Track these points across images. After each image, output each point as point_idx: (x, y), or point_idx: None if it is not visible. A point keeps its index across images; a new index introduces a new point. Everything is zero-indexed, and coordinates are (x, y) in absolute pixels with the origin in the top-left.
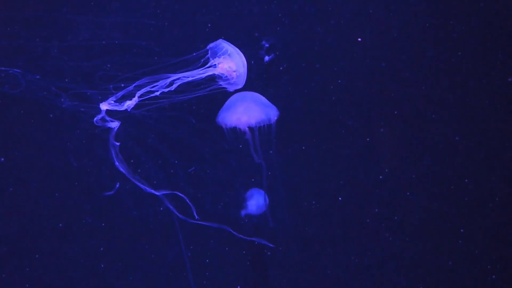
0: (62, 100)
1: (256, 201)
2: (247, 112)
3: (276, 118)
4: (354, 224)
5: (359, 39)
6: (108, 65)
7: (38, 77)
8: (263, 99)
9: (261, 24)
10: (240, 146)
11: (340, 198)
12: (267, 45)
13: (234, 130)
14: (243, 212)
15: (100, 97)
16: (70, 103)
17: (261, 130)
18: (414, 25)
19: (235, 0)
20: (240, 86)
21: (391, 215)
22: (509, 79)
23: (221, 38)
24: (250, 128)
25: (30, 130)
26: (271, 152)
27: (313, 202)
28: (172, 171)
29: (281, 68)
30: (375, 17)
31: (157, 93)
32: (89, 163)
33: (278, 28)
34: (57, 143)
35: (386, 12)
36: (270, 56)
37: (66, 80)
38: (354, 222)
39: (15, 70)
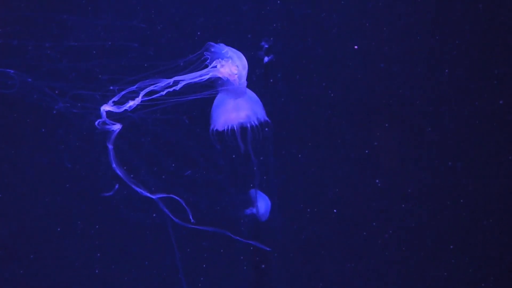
0: (57, 103)
1: (263, 205)
2: (236, 109)
3: (264, 115)
4: (350, 231)
5: (356, 47)
6: (97, 68)
7: (30, 80)
8: (253, 95)
9: (258, 26)
10: (239, 147)
11: (335, 210)
12: (266, 46)
13: (227, 130)
14: (248, 211)
15: (97, 98)
16: (63, 104)
17: (254, 131)
18: (412, 30)
19: (230, 3)
20: (242, 95)
21: (388, 223)
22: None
23: (217, 41)
24: (242, 127)
25: (24, 131)
26: (261, 158)
27: (308, 210)
28: (164, 176)
29: (278, 76)
30: (373, 21)
31: (162, 93)
32: (85, 165)
33: (276, 31)
34: (53, 145)
35: (384, 17)
36: (270, 57)
37: (61, 81)
38: (350, 229)
39: (8, 70)
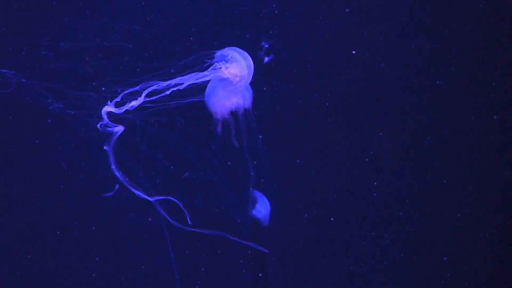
0: (54, 104)
1: (264, 209)
2: (229, 96)
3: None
4: (348, 236)
5: (354, 52)
6: (99, 70)
7: (23, 80)
8: None
9: (257, 27)
10: (235, 144)
11: (332, 219)
12: (266, 46)
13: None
14: (251, 214)
15: (95, 99)
16: (58, 105)
17: (246, 118)
18: (412, 33)
19: (229, 4)
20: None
21: (386, 227)
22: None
23: (217, 41)
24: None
25: (20, 132)
26: (258, 161)
27: (306, 215)
28: (161, 179)
29: (277, 77)
30: (372, 24)
31: (167, 92)
32: (83, 167)
33: (275, 32)
34: (50, 146)
35: (383, 20)
36: (270, 57)
37: (58, 82)
38: (348, 234)
39: (5, 70)
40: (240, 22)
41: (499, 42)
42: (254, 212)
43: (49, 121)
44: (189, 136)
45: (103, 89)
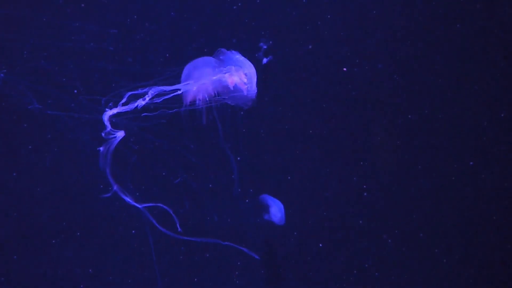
0: (52, 106)
1: (278, 210)
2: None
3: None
4: (340, 241)
5: (344, 69)
6: (101, 72)
7: (2, 75)
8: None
9: (255, 28)
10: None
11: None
12: (265, 47)
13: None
14: (265, 217)
15: (88, 101)
16: (38, 105)
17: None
18: (411, 32)
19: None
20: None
21: (384, 229)
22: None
23: (214, 43)
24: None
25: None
26: (255, 160)
27: (302, 216)
28: (154, 184)
29: (276, 77)
30: (370, 23)
31: (179, 92)
32: (72, 171)
33: (273, 32)
34: (40, 149)
35: (380, 20)
36: (268, 58)
37: (55, 83)
38: (344, 237)
39: None
40: (238, 23)
41: (496, 42)
42: (277, 214)
43: (38, 123)
44: (179, 141)
45: (78, 89)
